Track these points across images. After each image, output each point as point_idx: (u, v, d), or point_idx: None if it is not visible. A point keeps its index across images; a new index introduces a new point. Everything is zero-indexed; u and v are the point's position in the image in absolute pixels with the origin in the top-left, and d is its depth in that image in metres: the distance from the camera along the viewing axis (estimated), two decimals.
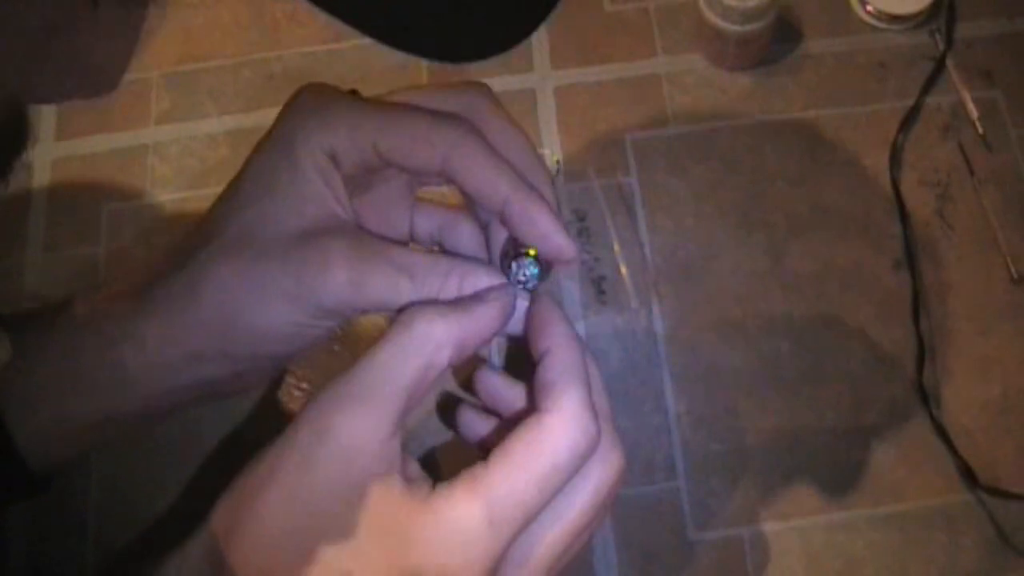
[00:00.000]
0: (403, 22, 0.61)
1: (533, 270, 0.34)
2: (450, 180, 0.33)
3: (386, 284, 0.32)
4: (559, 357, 0.32)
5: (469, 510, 0.29)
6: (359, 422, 0.29)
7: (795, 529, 0.50)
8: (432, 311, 0.31)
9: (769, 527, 0.50)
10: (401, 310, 0.32)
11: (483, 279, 0.33)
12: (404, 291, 0.32)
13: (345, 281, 0.32)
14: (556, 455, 0.29)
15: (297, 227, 0.33)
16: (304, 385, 0.54)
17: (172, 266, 0.35)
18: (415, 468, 0.31)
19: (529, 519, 0.30)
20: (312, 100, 0.34)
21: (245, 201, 0.34)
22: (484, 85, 0.35)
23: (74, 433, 0.37)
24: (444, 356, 0.31)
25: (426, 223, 0.38)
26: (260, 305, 0.33)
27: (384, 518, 0.29)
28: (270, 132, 0.35)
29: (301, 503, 0.30)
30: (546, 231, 0.32)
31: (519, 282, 0.34)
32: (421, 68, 0.61)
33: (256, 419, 0.53)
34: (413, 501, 0.29)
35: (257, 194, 0.34)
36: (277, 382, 0.54)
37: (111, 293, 0.37)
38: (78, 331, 0.36)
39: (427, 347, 0.30)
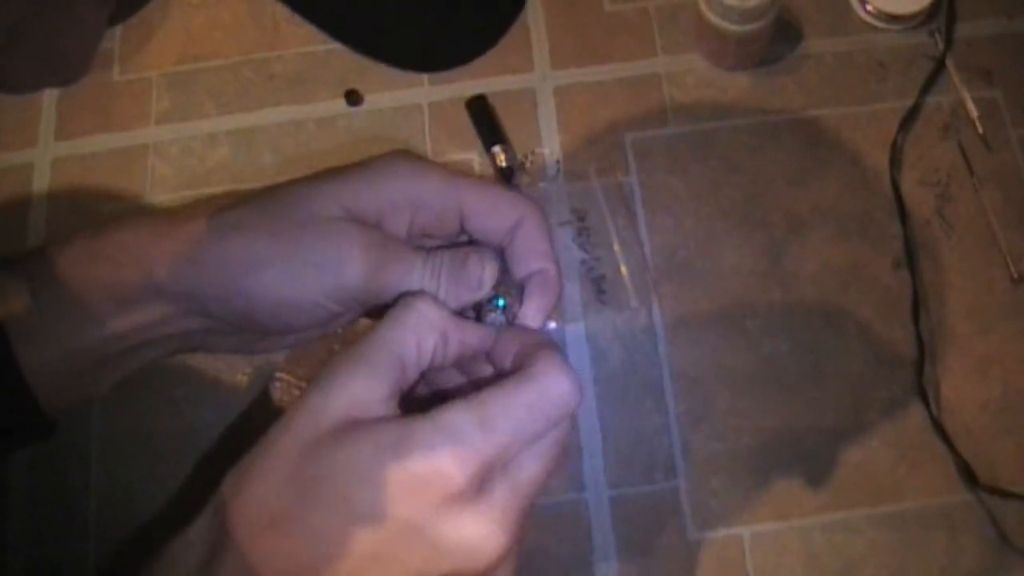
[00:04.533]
0: (378, 31, 0.61)
1: (500, 316, 0.39)
2: (508, 244, 0.39)
3: (401, 268, 0.36)
4: (541, 347, 0.35)
5: (461, 413, 0.31)
6: (359, 381, 0.32)
7: (795, 529, 0.50)
8: (430, 297, 0.35)
9: (769, 527, 0.50)
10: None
11: (486, 266, 0.38)
12: (415, 275, 0.36)
13: (371, 263, 0.36)
14: (545, 390, 0.33)
15: (335, 214, 0.37)
16: (304, 385, 0.54)
17: (201, 217, 0.38)
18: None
19: (518, 437, 0.32)
20: (408, 157, 0.39)
21: (299, 184, 0.38)
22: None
23: (80, 368, 0.39)
24: (432, 338, 0.34)
25: None
26: (284, 269, 0.36)
27: (381, 444, 0.31)
28: (360, 163, 0.39)
29: (307, 452, 0.31)
30: (546, 308, 0.39)
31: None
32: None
33: (256, 419, 0.53)
34: (410, 419, 0.32)
35: (314, 182, 0.38)
36: (277, 383, 0.54)
37: (128, 226, 0.39)
38: (87, 261, 0.38)
39: (422, 325, 0.34)
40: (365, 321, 0.50)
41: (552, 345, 0.35)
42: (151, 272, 0.37)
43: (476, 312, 0.39)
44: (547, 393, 0.33)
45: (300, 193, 0.37)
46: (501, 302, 0.39)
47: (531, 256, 0.39)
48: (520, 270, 0.39)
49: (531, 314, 0.38)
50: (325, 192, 0.37)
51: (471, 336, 0.36)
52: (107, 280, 0.37)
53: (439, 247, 0.40)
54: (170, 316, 0.38)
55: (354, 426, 0.31)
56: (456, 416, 0.31)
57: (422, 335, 0.34)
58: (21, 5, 0.25)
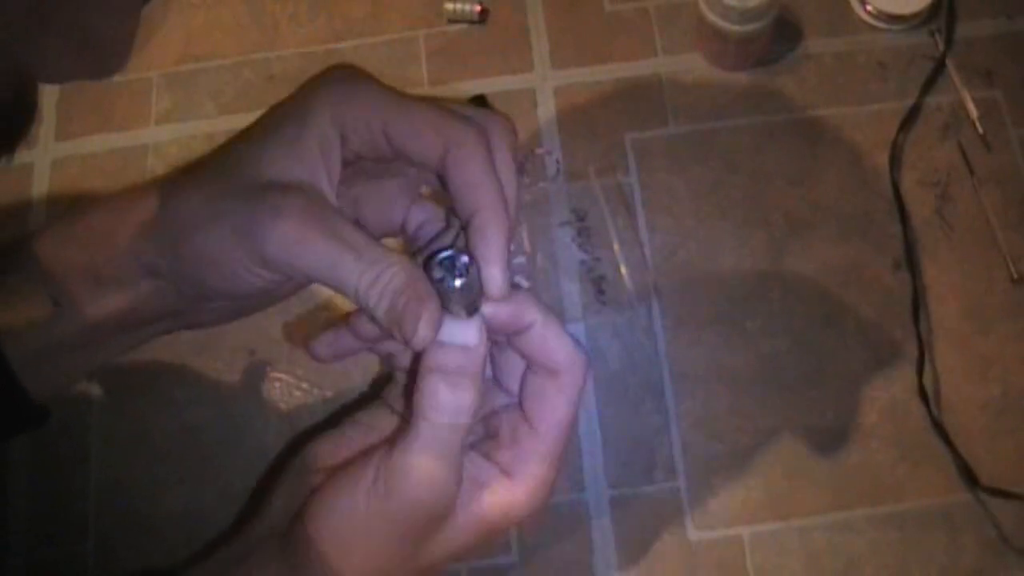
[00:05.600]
0: None
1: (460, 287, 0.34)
2: (443, 177, 0.35)
3: (329, 252, 0.33)
4: (543, 324, 0.35)
5: (549, 472, 0.36)
6: (436, 487, 0.34)
7: (795, 529, 0.50)
8: (445, 389, 0.34)
9: (769, 527, 0.50)
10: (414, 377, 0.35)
11: (409, 287, 0.33)
12: (345, 268, 0.33)
13: (291, 234, 0.33)
14: (581, 397, 0.36)
15: (276, 178, 0.35)
16: (304, 385, 0.54)
17: (157, 186, 0.37)
18: (483, 472, 0.36)
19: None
20: (340, 75, 0.36)
21: (243, 144, 0.37)
22: (508, 117, 0.37)
23: (66, 352, 0.38)
24: (469, 417, 0.35)
25: (417, 216, 0.39)
26: (212, 233, 0.35)
27: (470, 529, 0.36)
28: (293, 94, 0.37)
29: (404, 535, 0.35)
30: (492, 258, 0.34)
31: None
32: (421, 69, 0.61)
33: (256, 419, 0.53)
34: (497, 500, 0.36)
35: (257, 141, 0.36)
36: (277, 383, 0.54)
37: (95, 207, 0.39)
38: (61, 247, 0.38)
39: (463, 419, 0.34)
40: None
41: (561, 331, 0.36)
42: (116, 249, 0.37)
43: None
44: (581, 392, 0.36)
45: (239, 158, 0.36)
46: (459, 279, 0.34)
47: (466, 192, 0.34)
48: (462, 210, 0.35)
49: (488, 275, 0.34)
50: (265, 156, 0.35)
51: (481, 360, 0.36)
52: (81, 263, 0.37)
53: (415, 252, 0.38)
54: (145, 295, 0.37)
55: (460, 509, 0.35)
56: (538, 474, 0.36)
57: (467, 422, 0.35)
58: None
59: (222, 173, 0.36)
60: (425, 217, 0.39)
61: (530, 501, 0.36)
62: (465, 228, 0.35)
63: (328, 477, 0.36)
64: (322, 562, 0.35)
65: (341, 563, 0.35)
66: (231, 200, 0.35)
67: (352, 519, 0.35)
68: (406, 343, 0.33)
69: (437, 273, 0.33)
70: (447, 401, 0.34)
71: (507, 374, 0.39)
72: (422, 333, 0.33)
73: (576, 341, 0.36)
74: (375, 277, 0.33)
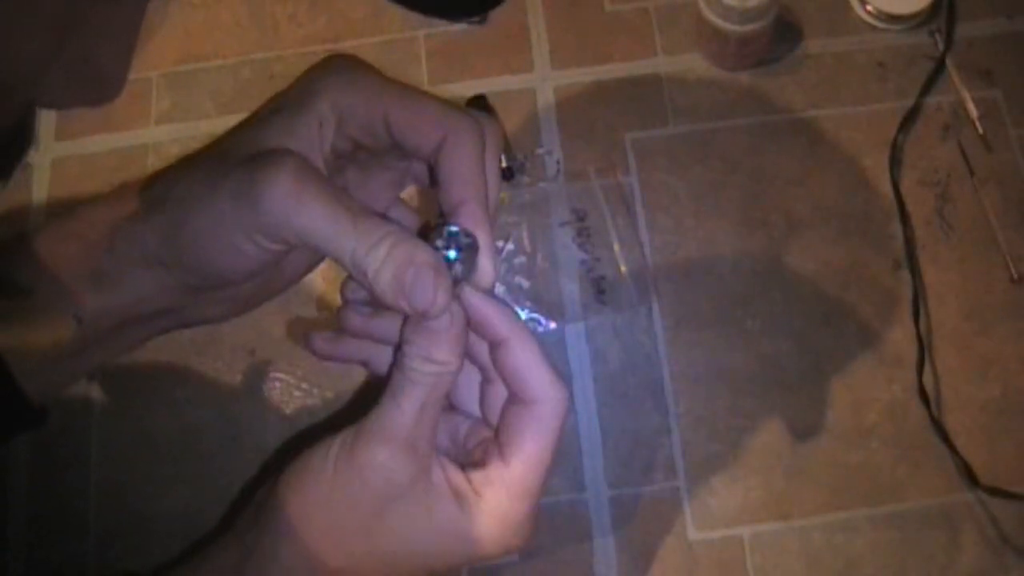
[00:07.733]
0: None
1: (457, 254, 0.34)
2: (434, 167, 0.35)
3: (327, 214, 0.32)
4: (519, 344, 0.35)
5: (518, 508, 0.35)
6: (396, 465, 0.34)
7: (795, 529, 0.50)
8: (421, 351, 0.34)
9: (769, 527, 0.50)
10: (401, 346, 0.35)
11: (419, 255, 0.32)
12: (343, 230, 0.32)
13: (288, 193, 0.32)
14: (557, 434, 0.35)
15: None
16: (304, 385, 0.54)
17: (155, 176, 0.37)
18: (455, 476, 0.36)
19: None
20: (342, 64, 0.37)
21: (244, 127, 0.37)
22: (499, 123, 0.37)
23: (64, 351, 0.38)
24: (449, 380, 0.34)
25: (394, 217, 0.40)
26: (210, 203, 0.34)
27: (446, 529, 0.35)
28: (295, 82, 0.37)
29: (379, 506, 0.34)
30: (484, 249, 0.35)
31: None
32: (421, 69, 0.61)
33: (256, 420, 0.53)
34: (467, 507, 0.35)
35: (255, 124, 0.36)
36: (277, 383, 0.54)
37: (94, 204, 0.39)
38: (59, 242, 0.38)
39: (437, 382, 0.34)
40: None
41: (538, 354, 0.35)
42: (115, 242, 0.36)
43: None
44: (558, 435, 0.35)
45: (237, 140, 0.36)
46: (453, 255, 0.34)
47: (456, 184, 0.35)
48: (448, 201, 0.35)
49: (481, 265, 0.35)
50: (261, 135, 0.35)
51: (461, 339, 0.35)
52: (81, 261, 0.37)
53: (424, 228, 0.38)
54: (146, 289, 0.37)
55: (423, 492, 0.35)
56: (512, 514, 0.35)
57: (442, 388, 0.35)
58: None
59: (220, 154, 0.36)
60: (402, 221, 0.40)
61: (497, 532, 0.35)
62: (454, 216, 0.35)
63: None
64: (286, 529, 0.35)
65: (302, 528, 0.34)
66: (229, 173, 0.34)
67: (319, 482, 0.34)
68: (421, 312, 0.33)
69: (438, 243, 0.33)
70: (428, 367, 0.34)
71: (493, 409, 0.38)
72: (440, 301, 0.32)
73: (559, 377, 0.35)
74: (374, 242, 0.32)
